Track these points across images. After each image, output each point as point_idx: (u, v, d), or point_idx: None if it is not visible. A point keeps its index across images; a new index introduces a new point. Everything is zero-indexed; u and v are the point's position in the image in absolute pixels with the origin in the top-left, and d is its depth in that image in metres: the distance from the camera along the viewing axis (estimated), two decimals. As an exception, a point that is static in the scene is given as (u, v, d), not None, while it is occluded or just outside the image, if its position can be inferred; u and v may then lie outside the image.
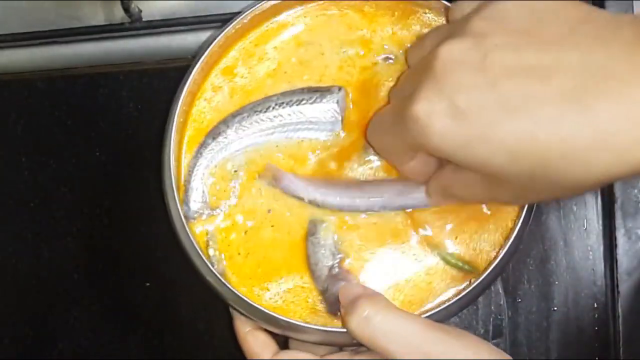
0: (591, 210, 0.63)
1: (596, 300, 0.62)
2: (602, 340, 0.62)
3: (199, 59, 0.56)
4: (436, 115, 0.42)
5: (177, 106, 0.55)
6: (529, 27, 0.42)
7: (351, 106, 0.57)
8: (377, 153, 0.55)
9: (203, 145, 0.57)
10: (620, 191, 0.61)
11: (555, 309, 0.62)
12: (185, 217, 0.54)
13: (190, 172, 0.56)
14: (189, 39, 0.67)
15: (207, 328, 0.66)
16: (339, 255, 0.55)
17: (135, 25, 0.66)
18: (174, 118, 0.55)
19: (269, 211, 0.56)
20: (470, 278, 0.53)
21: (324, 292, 0.54)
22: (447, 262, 0.53)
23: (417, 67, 0.46)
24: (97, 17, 0.68)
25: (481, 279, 0.51)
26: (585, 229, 0.63)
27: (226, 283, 0.52)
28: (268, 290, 0.54)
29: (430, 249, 0.54)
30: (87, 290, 0.68)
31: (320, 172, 0.56)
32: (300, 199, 0.55)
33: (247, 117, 0.57)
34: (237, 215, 0.56)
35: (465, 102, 0.41)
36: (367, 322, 0.47)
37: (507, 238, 0.52)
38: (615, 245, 0.61)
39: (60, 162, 0.70)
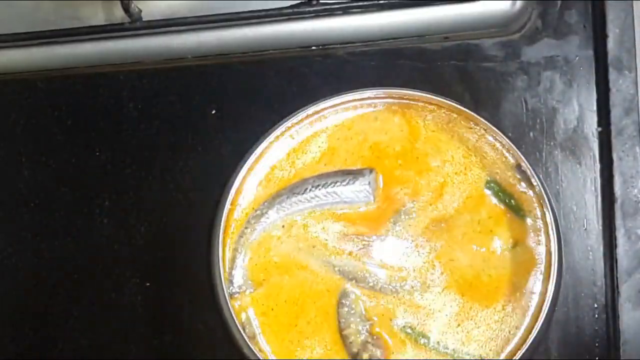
0: (591, 210, 0.63)
1: (596, 300, 0.62)
2: (602, 340, 0.62)
3: (252, 152, 0.62)
4: None
5: (227, 199, 0.62)
6: None
7: (381, 185, 0.62)
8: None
9: (247, 226, 0.63)
10: (620, 191, 0.61)
11: (556, 309, 0.62)
12: (230, 295, 0.61)
13: (235, 251, 0.63)
14: (189, 39, 0.67)
15: (207, 328, 0.66)
16: (369, 322, 0.60)
17: (135, 25, 0.66)
18: (225, 206, 0.62)
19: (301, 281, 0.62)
20: None
21: (354, 356, 0.59)
22: None
23: None
24: (97, 17, 0.68)
25: None
26: (585, 229, 0.63)
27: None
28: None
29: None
30: (87, 290, 0.68)
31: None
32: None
33: (287, 198, 0.62)
34: (272, 286, 0.62)
35: None
36: None
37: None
38: (615, 245, 0.61)
39: (60, 162, 0.70)
